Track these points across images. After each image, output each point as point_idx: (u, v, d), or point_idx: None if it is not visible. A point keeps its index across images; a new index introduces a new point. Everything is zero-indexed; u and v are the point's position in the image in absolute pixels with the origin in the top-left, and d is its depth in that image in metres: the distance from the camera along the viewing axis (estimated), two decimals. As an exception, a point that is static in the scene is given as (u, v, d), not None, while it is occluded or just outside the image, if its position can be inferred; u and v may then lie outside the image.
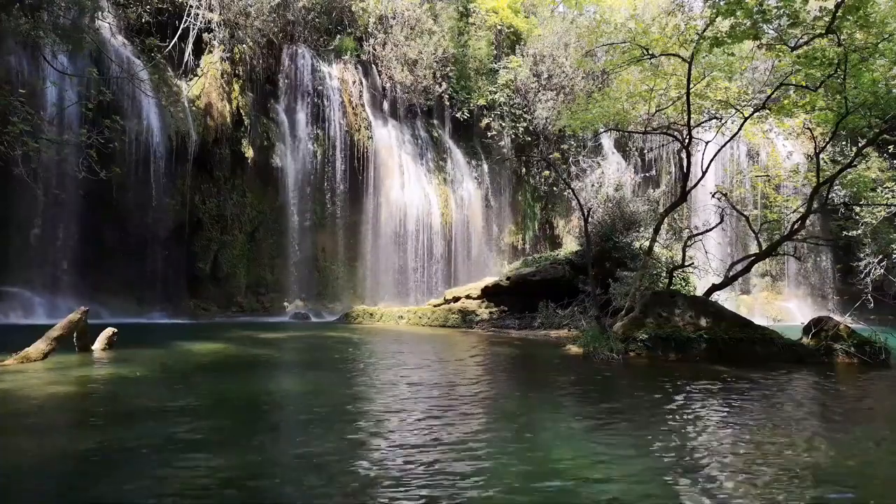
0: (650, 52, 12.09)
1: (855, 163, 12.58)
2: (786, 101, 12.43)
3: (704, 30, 11.08)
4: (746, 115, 12.62)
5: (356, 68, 24.41)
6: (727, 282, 12.34)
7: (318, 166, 22.84)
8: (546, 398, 6.53)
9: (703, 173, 13.06)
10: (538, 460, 4.07)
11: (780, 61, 12.76)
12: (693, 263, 13.90)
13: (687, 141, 12.52)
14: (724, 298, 17.03)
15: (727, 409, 5.94)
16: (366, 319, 18.44)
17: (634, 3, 20.92)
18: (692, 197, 21.57)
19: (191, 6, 20.01)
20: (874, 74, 10.45)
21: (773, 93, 12.35)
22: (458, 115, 26.42)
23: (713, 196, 14.64)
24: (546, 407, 6.00)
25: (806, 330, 10.37)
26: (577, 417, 5.52)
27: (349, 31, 24.76)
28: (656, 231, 13.16)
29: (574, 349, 10.47)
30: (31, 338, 8.05)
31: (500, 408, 6.00)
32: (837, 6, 9.86)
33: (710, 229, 13.96)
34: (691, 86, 11.64)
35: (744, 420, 5.44)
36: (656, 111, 14.24)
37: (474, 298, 18.19)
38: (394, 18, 24.87)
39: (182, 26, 19.93)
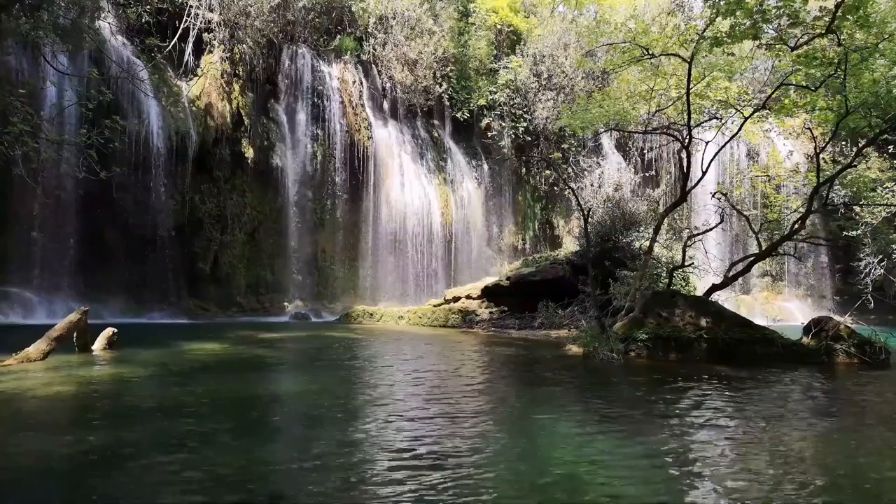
0: (650, 52, 12.09)
1: (855, 163, 12.57)
2: (786, 101, 12.43)
3: (704, 30, 11.08)
4: (746, 115, 12.62)
5: (356, 68, 24.39)
6: (727, 282, 12.34)
7: (318, 166, 22.81)
8: (546, 398, 6.53)
9: (703, 173, 13.07)
10: (538, 459, 4.07)
11: (780, 61, 12.77)
12: (693, 263, 13.90)
13: (687, 141, 12.53)
14: (724, 298, 17.03)
15: (727, 410, 5.95)
16: (366, 319, 18.43)
17: (634, 3, 20.92)
18: (692, 197, 21.57)
19: (191, 6, 20.00)
20: (874, 74, 10.45)
21: (773, 93, 12.35)
22: (458, 115, 26.38)
23: (713, 196, 14.64)
24: (546, 406, 6.00)
25: (806, 330, 10.37)
26: (577, 417, 5.52)
27: (349, 31, 24.74)
28: (656, 231, 13.17)
29: (574, 349, 10.47)
30: (31, 338, 8.05)
31: (501, 407, 6.00)
32: (837, 6, 9.86)
33: (710, 229, 13.96)
34: (691, 86, 11.64)
35: (744, 420, 5.44)
36: (656, 111, 14.25)
37: (474, 298, 18.18)
38: (394, 18, 24.84)
39: (182, 26, 19.92)
